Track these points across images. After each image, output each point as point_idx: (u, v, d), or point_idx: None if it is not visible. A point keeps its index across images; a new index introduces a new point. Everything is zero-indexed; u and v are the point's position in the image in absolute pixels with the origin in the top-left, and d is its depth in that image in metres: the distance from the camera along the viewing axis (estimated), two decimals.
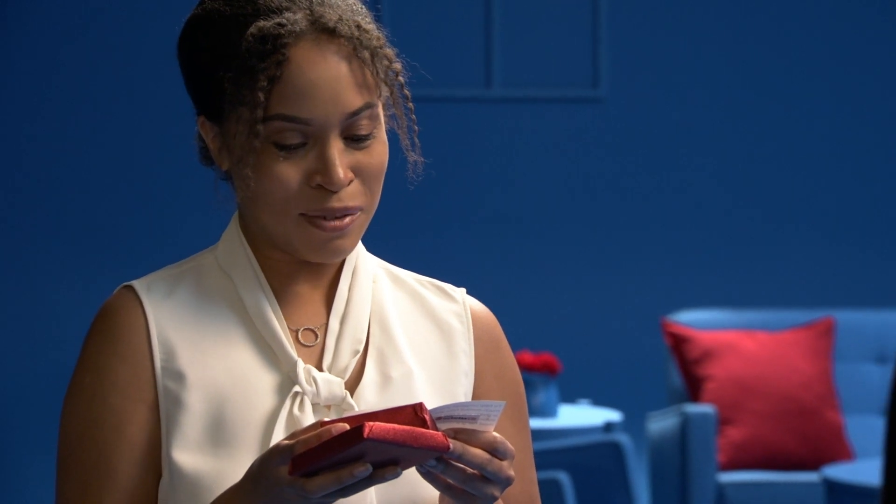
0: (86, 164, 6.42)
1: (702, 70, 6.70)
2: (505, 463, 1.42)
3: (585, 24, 6.63)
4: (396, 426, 1.34)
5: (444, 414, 1.40)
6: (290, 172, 1.50)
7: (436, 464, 1.40)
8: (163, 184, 6.43)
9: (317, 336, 1.57)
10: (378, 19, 6.47)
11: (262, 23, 1.49)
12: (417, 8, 6.55)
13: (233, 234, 1.59)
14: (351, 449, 1.33)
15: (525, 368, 5.57)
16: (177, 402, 1.52)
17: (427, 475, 1.42)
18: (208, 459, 1.49)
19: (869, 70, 6.78)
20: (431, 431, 1.37)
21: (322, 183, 1.50)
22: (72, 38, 6.39)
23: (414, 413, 1.37)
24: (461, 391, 1.59)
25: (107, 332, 1.54)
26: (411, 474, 1.51)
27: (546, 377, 5.58)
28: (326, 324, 1.58)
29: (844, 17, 6.75)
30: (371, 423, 1.33)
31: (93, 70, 6.41)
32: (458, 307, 1.63)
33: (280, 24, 1.48)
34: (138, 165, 6.43)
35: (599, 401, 6.62)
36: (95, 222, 6.41)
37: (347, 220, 1.52)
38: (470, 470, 1.41)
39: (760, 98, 6.75)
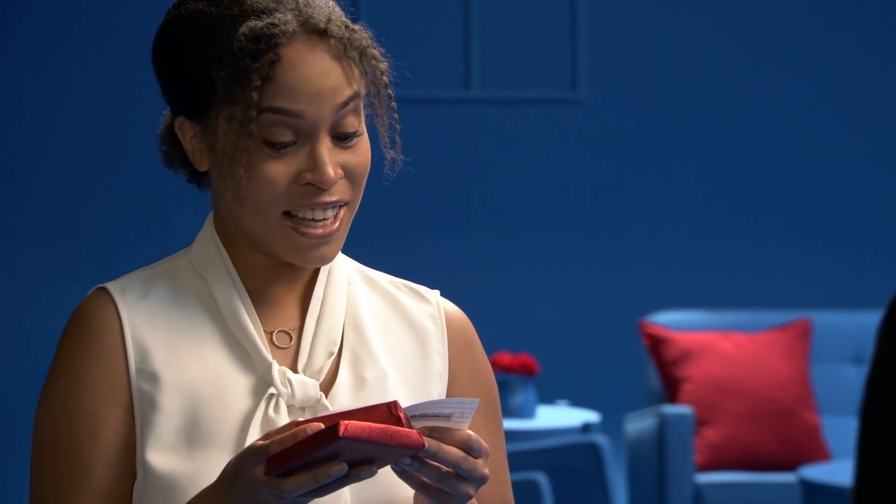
0: (63, 165, 6.40)
1: (680, 71, 6.72)
2: (479, 461, 1.43)
3: (564, 26, 6.64)
4: (371, 424, 1.35)
5: (419, 412, 1.40)
6: (279, 171, 1.51)
7: (411, 462, 1.40)
8: (139, 185, 6.42)
9: (291, 338, 1.57)
10: (355, 20, 6.47)
11: (253, 23, 1.50)
12: (396, 9, 6.55)
13: (207, 236, 1.59)
14: (326, 448, 1.34)
15: (503, 369, 5.57)
16: (151, 404, 1.52)
17: (402, 473, 1.42)
18: (183, 461, 1.50)
19: (850, 73, 6.81)
20: (406, 429, 1.37)
21: (312, 181, 1.51)
22: (54, 39, 6.38)
23: (388, 411, 1.38)
24: (435, 392, 1.60)
25: (81, 335, 1.54)
26: (386, 474, 1.52)
27: (524, 378, 5.59)
28: (301, 326, 1.58)
29: (825, 15, 6.77)
30: (346, 422, 1.33)
31: (72, 71, 6.39)
32: (431, 309, 1.64)
33: (272, 24, 1.49)
34: (115, 167, 6.42)
35: (577, 402, 6.63)
36: (72, 223, 6.40)
37: (338, 223, 1.53)
38: (445, 468, 1.42)
39: (739, 100, 6.77)
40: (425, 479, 1.43)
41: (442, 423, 1.41)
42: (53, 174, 6.39)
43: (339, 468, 1.36)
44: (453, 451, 1.41)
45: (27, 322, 6.34)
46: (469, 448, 1.42)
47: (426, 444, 1.39)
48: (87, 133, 6.41)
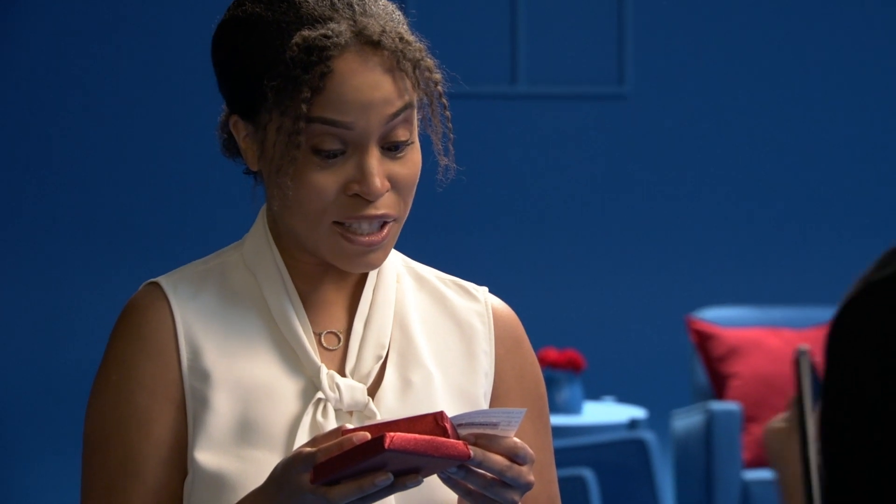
0: (103, 158, 6.44)
1: (727, 67, 6.69)
2: (524, 468, 1.42)
3: (611, 20, 6.62)
4: (417, 436, 1.35)
5: (465, 421, 1.40)
6: (327, 181, 1.50)
7: (457, 470, 1.40)
8: (183, 178, 6.44)
9: (339, 339, 1.57)
10: (403, 13, 6.47)
11: (306, 32, 1.48)
12: (443, 3, 6.55)
13: (259, 232, 1.59)
14: (372, 459, 1.34)
15: (549, 365, 5.56)
16: (202, 402, 1.52)
17: (448, 481, 1.42)
18: (232, 460, 1.50)
19: (893, 69, 6.77)
20: (452, 441, 1.37)
21: (359, 192, 1.50)
22: (96, 34, 6.41)
23: (434, 422, 1.38)
24: (481, 392, 1.59)
25: (134, 330, 1.54)
26: (430, 478, 1.51)
27: (571, 374, 5.58)
28: (349, 327, 1.58)
29: (868, 19, 6.73)
30: (392, 434, 1.34)
31: (115, 66, 6.43)
32: (479, 307, 1.63)
33: (325, 36, 1.48)
34: (158, 160, 6.45)
35: (624, 398, 6.61)
36: (115, 217, 6.43)
37: (385, 231, 1.52)
38: (490, 475, 1.42)
39: (785, 96, 6.73)
40: (471, 486, 1.43)
41: (488, 432, 1.41)
42: (96, 168, 6.43)
43: (385, 478, 1.36)
44: (499, 460, 1.41)
45: (76, 316, 6.37)
46: (515, 456, 1.41)
47: (472, 453, 1.39)
48: (133, 127, 6.44)
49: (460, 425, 1.41)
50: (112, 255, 6.40)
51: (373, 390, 1.55)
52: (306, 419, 1.50)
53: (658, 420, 6.59)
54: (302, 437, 1.50)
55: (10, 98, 6.37)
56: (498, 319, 1.63)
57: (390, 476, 1.37)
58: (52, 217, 6.40)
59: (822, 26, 6.74)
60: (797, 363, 1.29)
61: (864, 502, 1.06)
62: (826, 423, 1.09)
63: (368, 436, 1.36)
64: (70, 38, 6.39)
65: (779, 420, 1.37)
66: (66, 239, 6.40)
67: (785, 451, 1.35)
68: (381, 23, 1.51)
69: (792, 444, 1.32)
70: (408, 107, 1.51)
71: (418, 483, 1.38)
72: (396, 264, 1.63)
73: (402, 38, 1.51)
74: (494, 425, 1.41)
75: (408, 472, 1.39)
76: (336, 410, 1.52)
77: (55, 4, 6.39)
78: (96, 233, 6.41)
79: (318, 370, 1.53)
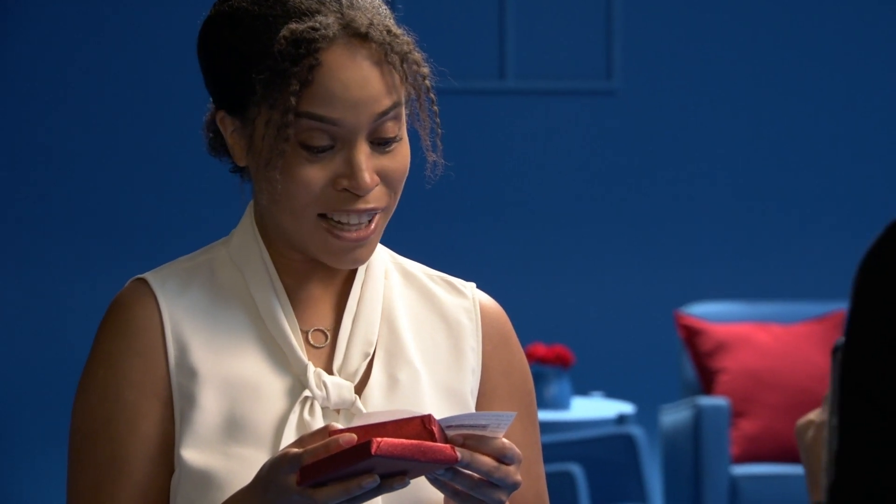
0: (91, 155, 6.43)
1: (716, 62, 6.70)
2: (512, 468, 1.43)
3: (599, 15, 6.63)
4: (404, 441, 1.35)
5: (454, 423, 1.40)
6: (315, 175, 1.50)
7: (444, 472, 1.41)
8: (171, 176, 6.44)
9: (327, 337, 1.57)
10: (391, 8, 6.46)
11: (294, 25, 1.48)
12: None
13: (247, 228, 1.59)
14: (359, 463, 1.35)
15: (538, 360, 5.57)
16: (189, 400, 1.52)
17: (435, 482, 1.42)
18: (218, 458, 1.50)
19: (883, 65, 6.77)
20: (439, 445, 1.37)
21: (349, 188, 1.50)
22: (85, 32, 6.40)
23: (422, 425, 1.38)
24: (468, 389, 1.59)
25: (121, 327, 1.54)
26: (417, 478, 1.52)
27: (559, 369, 5.58)
28: (337, 324, 1.58)
29: (859, 15, 6.74)
30: (379, 440, 1.34)
31: (103, 63, 6.42)
32: (467, 303, 1.63)
33: (313, 28, 1.48)
34: (146, 157, 6.44)
35: (612, 393, 6.62)
36: (104, 214, 6.42)
37: (373, 226, 1.52)
38: (477, 476, 1.42)
39: (773, 91, 6.74)
40: (458, 487, 1.43)
41: (477, 433, 1.41)
42: (83, 165, 6.42)
43: (372, 480, 1.37)
44: (486, 461, 1.41)
45: (66, 313, 6.37)
46: (503, 456, 1.42)
47: (459, 455, 1.39)
48: (120, 124, 6.44)
49: (448, 427, 1.41)
50: (101, 251, 6.39)
51: (360, 388, 1.55)
52: (293, 417, 1.50)
53: (646, 415, 6.60)
54: (289, 436, 1.49)
55: None
56: (485, 315, 1.63)
57: (377, 478, 1.37)
58: (40, 214, 6.39)
59: (812, 21, 6.74)
60: (834, 356, 1.29)
61: (881, 441, 1.06)
62: (848, 361, 1.09)
63: (355, 437, 1.37)
64: (60, 37, 6.38)
65: (811, 414, 1.38)
66: (54, 236, 6.39)
67: (815, 445, 1.35)
68: (369, 16, 1.51)
69: (822, 439, 1.32)
70: (396, 105, 1.51)
71: (405, 485, 1.39)
72: (384, 260, 1.62)
73: (389, 31, 1.51)
74: (483, 427, 1.41)
75: (395, 475, 1.39)
76: (323, 408, 1.52)
77: (42, 4, 6.37)
78: (85, 229, 6.40)
79: (304, 368, 1.53)
